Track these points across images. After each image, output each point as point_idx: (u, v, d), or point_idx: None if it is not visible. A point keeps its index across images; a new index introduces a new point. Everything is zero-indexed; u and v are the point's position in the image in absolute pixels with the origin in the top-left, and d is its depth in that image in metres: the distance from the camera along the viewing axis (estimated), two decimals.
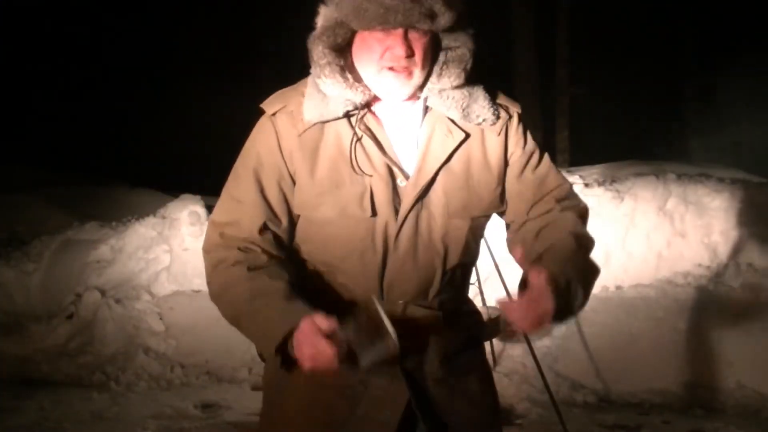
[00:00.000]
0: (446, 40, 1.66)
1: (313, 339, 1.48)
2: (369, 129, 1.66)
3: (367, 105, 1.68)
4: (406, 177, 1.66)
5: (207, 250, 1.71)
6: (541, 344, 4.83)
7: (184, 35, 12.94)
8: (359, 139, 1.65)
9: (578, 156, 10.74)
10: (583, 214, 1.78)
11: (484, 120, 1.69)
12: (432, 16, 1.57)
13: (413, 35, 1.59)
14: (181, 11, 13.05)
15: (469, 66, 1.67)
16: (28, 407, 4.52)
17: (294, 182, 1.68)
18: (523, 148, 1.74)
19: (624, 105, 12.97)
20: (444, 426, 1.72)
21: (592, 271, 1.70)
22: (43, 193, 8.62)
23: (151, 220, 6.42)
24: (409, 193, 1.65)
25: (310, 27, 1.68)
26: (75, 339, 5.65)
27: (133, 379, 5.08)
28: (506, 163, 1.73)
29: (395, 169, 1.65)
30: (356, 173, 1.64)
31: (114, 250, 6.36)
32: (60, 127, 13.17)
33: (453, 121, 1.68)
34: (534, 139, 1.78)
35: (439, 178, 1.67)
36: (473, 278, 4.22)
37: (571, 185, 1.81)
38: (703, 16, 13.02)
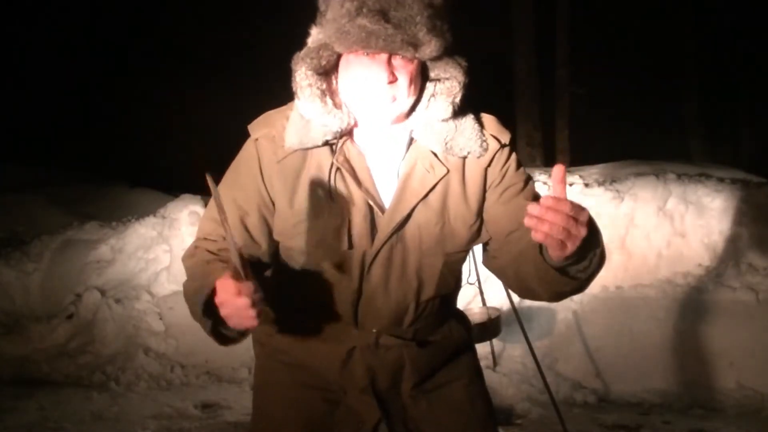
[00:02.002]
0: (436, 71, 1.62)
1: (230, 299, 1.44)
2: (347, 160, 1.64)
3: (349, 133, 1.65)
4: (382, 211, 1.64)
5: (183, 260, 1.76)
6: (541, 344, 4.83)
7: (185, 35, 12.93)
8: (338, 170, 1.63)
9: (578, 156, 10.74)
10: None
11: (469, 153, 1.65)
12: (415, 44, 1.53)
13: (398, 62, 1.56)
14: (182, 11, 13.04)
15: (458, 99, 1.63)
16: (28, 407, 4.52)
17: (274, 208, 1.68)
18: (505, 175, 1.70)
19: (624, 105, 12.96)
20: None
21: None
22: (43, 193, 8.62)
23: (151, 220, 6.42)
24: (384, 228, 1.64)
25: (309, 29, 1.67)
26: (75, 339, 5.65)
27: (133, 379, 5.08)
28: (484, 195, 1.69)
29: (371, 203, 1.64)
30: (334, 204, 1.63)
31: (114, 250, 6.36)
32: (60, 127, 13.17)
33: (436, 155, 1.65)
34: (520, 168, 1.74)
35: (415, 213, 1.65)
36: (473, 278, 4.23)
37: None
38: (703, 15, 13.01)
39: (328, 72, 1.63)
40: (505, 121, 1.77)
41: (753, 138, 13.47)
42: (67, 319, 5.81)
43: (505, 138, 1.71)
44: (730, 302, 4.80)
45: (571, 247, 1.42)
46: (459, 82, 1.62)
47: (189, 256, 1.74)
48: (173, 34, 13.10)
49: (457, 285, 1.80)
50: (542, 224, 1.38)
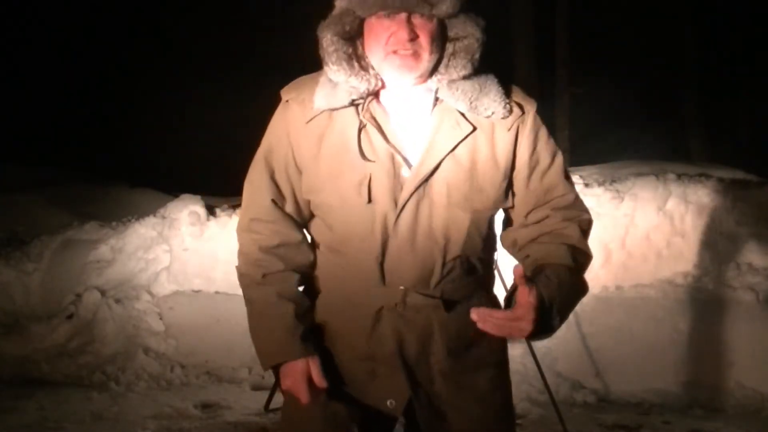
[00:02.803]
0: (454, 30, 1.68)
1: (298, 379, 1.69)
2: (374, 118, 1.69)
3: (375, 94, 1.71)
4: (409, 165, 1.68)
5: (237, 231, 1.83)
6: (541, 344, 4.83)
7: (185, 35, 12.93)
8: (363, 127, 1.68)
9: (578, 156, 10.74)
10: (585, 226, 1.77)
11: (493, 113, 1.69)
12: (431, 2, 1.61)
13: (417, 20, 1.63)
14: (182, 11, 13.04)
15: (477, 56, 1.68)
16: (28, 407, 4.52)
17: (300, 169, 1.75)
18: (533, 149, 1.74)
19: (624, 105, 12.96)
20: (443, 419, 1.75)
21: (581, 291, 1.72)
22: (43, 193, 8.61)
23: (151, 220, 6.41)
24: (410, 182, 1.67)
25: (311, 29, 1.72)
26: (75, 339, 5.65)
27: (133, 379, 5.08)
28: (514, 161, 1.73)
29: (398, 158, 1.67)
30: (358, 161, 1.67)
31: (114, 250, 6.35)
32: (60, 127, 13.17)
33: (462, 114, 1.69)
34: (548, 141, 1.77)
35: (442, 168, 1.67)
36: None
37: (576, 195, 1.80)
38: (703, 15, 13.01)
39: (353, 37, 1.69)
40: None
41: (753, 138, 13.46)
42: (67, 319, 5.80)
43: (531, 106, 1.74)
44: (730, 302, 4.80)
45: (520, 336, 1.57)
46: (477, 39, 1.67)
47: (240, 232, 1.81)
48: (174, 33, 13.10)
49: (486, 249, 1.79)
50: (486, 324, 1.55)
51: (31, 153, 11.67)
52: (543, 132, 1.76)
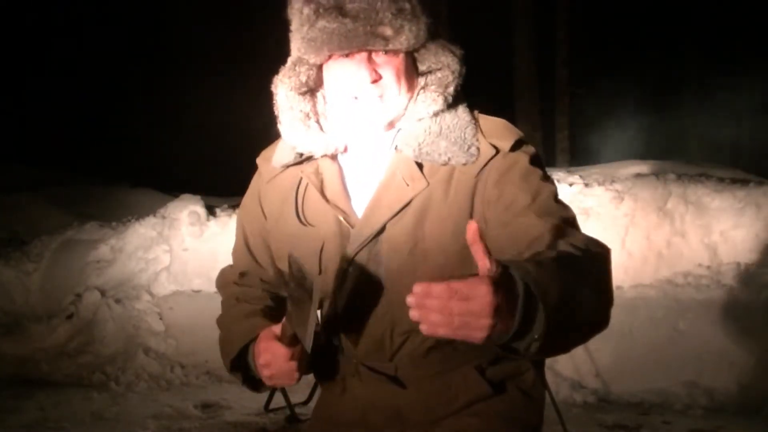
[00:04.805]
0: (426, 63, 1.47)
1: (270, 344, 1.43)
2: (319, 173, 1.50)
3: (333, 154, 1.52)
4: (352, 226, 1.47)
5: (218, 287, 1.74)
6: None
7: (185, 35, 12.93)
8: (305, 187, 1.52)
9: (578, 156, 10.75)
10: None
11: (449, 159, 1.43)
12: (384, 35, 1.40)
13: (380, 58, 1.42)
14: (182, 11, 13.04)
15: (450, 89, 1.46)
16: (28, 407, 4.52)
17: (269, 234, 1.61)
18: (504, 188, 1.42)
19: (624, 104, 12.96)
20: None
21: (597, 289, 1.24)
22: (43, 193, 8.62)
23: (151, 220, 6.42)
24: (351, 244, 1.46)
25: None
26: (75, 339, 5.65)
27: (133, 379, 5.08)
28: (470, 213, 1.43)
29: (341, 218, 1.47)
30: (310, 225, 1.50)
31: (114, 250, 6.35)
32: (60, 127, 13.17)
33: (420, 165, 1.44)
34: (533, 177, 1.44)
35: (387, 231, 1.44)
36: None
37: (556, 233, 1.35)
38: (703, 15, 13.01)
39: (312, 90, 1.51)
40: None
41: (753, 138, 13.46)
42: (67, 319, 5.80)
43: (505, 144, 1.46)
44: (730, 302, 4.80)
45: (480, 338, 1.06)
46: (452, 71, 1.46)
47: (222, 287, 1.70)
48: (175, 34, 13.10)
49: None
50: (427, 314, 1.06)
51: (31, 153, 11.67)
52: (520, 169, 1.44)
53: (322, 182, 1.50)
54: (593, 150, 11.38)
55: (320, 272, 1.49)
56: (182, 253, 5.91)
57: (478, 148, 1.44)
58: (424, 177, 1.44)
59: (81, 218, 7.42)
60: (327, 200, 1.48)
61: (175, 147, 12.50)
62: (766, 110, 12.63)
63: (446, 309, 1.04)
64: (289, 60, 1.51)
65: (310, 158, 1.52)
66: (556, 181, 1.54)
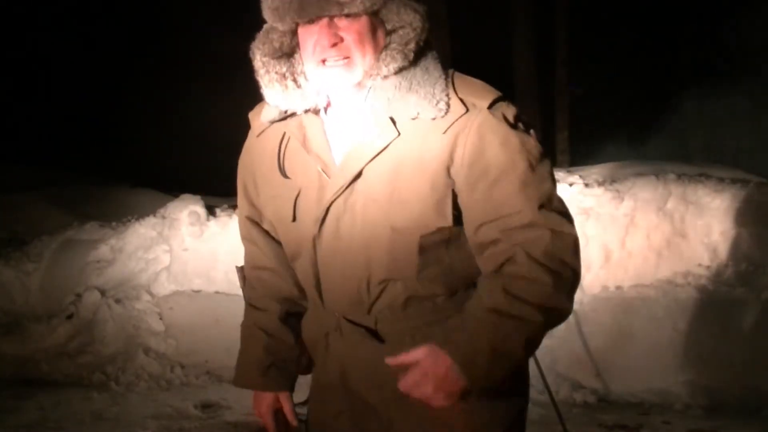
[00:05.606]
0: (391, 22, 1.51)
1: (264, 411, 1.73)
2: (302, 127, 1.58)
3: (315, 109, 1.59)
4: (330, 177, 1.54)
5: (243, 289, 1.84)
6: (542, 344, 4.83)
7: (185, 35, 12.93)
8: (287, 140, 1.61)
9: (578, 156, 10.74)
10: (535, 251, 1.43)
11: (419, 113, 1.48)
12: (339, 2, 1.45)
13: (342, 22, 1.48)
14: (183, 10, 13.04)
15: (411, 46, 1.50)
16: (28, 407, 4.52)
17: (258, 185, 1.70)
18: (479, 154, 1.46)
19: (624, 104, 12.96)
20: None
21: (503, 335, 1.46)
22: (43, 193, 8.61)
23: (151, 220, 6.41)
24: (326, 195, 1.53)
25: None
26: (75, 339, 5.65)
27: (133, 379, 5.08)
28: (449, 169, 1.49)
29: (320, 168, 1.54)
30: (290, 178, 1.59)
31: (114, 250, 6.35)
32: (60, 127, 13.17)
33: (393, 118, 1.50)
34: (507, 145, 1.46)
35: (363, 180, 1.51)
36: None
37: (538, 215, 1.45)
38: (703, 15, 13.01)
39: (288, 54, 1.58)
40: None
41: (753, 138, 13.46)
42: (67, 319, 5.80)
43: (481, 102, 1.48)
44: (730, 302, 4.80)
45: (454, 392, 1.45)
46: (414, 29, 1.50)
47: (241, 287, 1.82)
48: (175, 35, 13.10)
49: (438, 277, 1.52)
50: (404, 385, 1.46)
51: (31, 153, 11.67)
52: (499, 133, 1.47)
53: (304, 135, 1.57)
54: (593, 150, 11.37)
55: (294, 219, 1.57)
56: (182, 253, 5.91)
57: (447, 104, 1.48)
58: (396, 129, 1.50)
59: (81, 218, 7.41)
60: (308, 152, 1.56)
61: (176, 147, 12.50)
62: (766, 110, 12.63)
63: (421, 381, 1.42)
64: (264, 27, 1.60)
65: (294, 114, 1.59)
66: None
